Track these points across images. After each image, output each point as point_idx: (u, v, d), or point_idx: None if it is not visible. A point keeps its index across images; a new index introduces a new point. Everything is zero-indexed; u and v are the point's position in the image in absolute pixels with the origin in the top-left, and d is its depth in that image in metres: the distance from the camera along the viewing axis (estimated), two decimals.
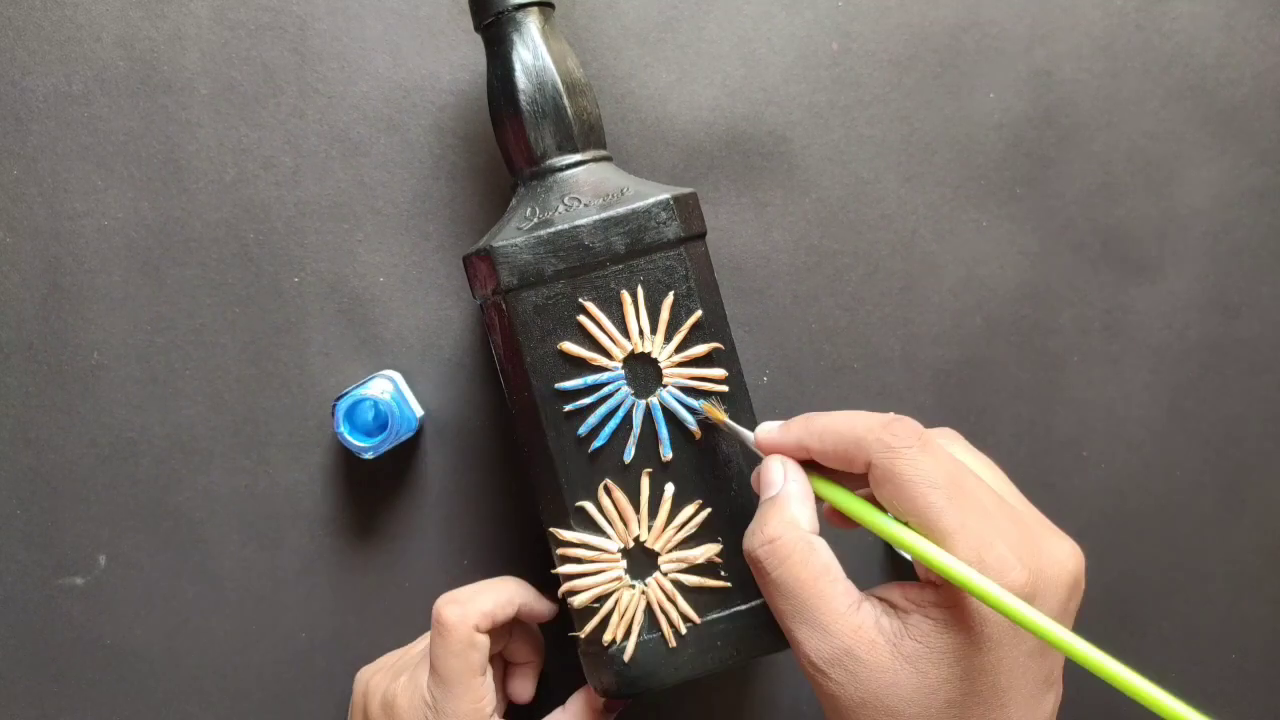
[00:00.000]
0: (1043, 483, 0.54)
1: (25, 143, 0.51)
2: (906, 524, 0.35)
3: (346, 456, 0.52)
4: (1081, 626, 0.54)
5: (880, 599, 0.35)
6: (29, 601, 0.52)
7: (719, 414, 0.42)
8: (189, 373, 0.52)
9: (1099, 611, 0.54)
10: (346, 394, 0.48)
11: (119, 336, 0.52)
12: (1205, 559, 0.54)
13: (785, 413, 0.53)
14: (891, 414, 0.36)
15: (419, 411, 0.50)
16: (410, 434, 0.49)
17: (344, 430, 0.48)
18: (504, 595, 0.46)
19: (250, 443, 0.52)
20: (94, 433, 0.52)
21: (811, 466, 0.39)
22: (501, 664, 0.50)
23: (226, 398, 0.52)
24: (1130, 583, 0.54)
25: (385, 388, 0.48)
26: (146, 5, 0.51)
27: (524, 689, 0.50)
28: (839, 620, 0.34)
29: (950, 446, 0.37)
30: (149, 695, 0.52)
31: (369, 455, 0.48)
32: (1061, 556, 0.35)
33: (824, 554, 0.35)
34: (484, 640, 0.44)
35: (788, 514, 0.36)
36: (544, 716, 0.47)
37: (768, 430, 0.40)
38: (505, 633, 0.48)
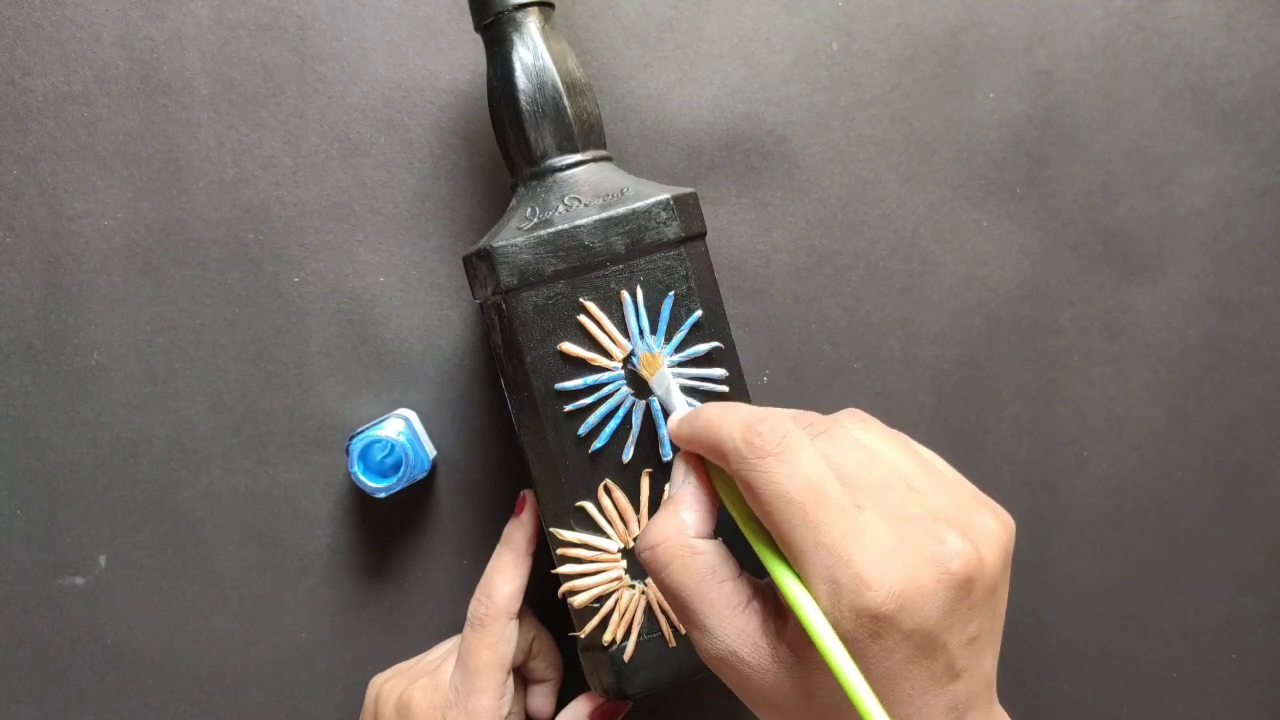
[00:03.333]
0: (1043, 483, 0.54)
1: (25, 143, 0.51)
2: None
3: (345, 456, 0.52)
4: (1082, 626, 0.54)
5: (771, 600, 0.34)
6: (29, 601, 0.52)
7: (656, 365, 0.42)
8: (189, 373, 0.52)
9: (1099, 611, 0.54)
10: (361, 433, 0.48)
11: (119, 336, 0.52)
12: (1205, 559, 0.54)
13: None
14: (762, 413, 0.33)
15: (432, 451, 0.51)
16: (423, 474, 0.49)
17: (358, 470, 0.48)
18: (513, 566, 0.47)
19: (250, 443, 0.52)
20: (94, 433, 0.52)
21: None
22: (522, 682, 0.50)
23: (226, 398, 0.52)
24: (1130, 583, 0.54)
25: (399, 427, 0.49)
26: (146, 5, 0.51)
27: (544, 705, 0.50)
28: (723, 623, 0.33)
29: (851, 428, 0.35)
30: (149, 695, 0.52)
31: (382, 495, 0.48)
32: (983, 536, 0.33)
33: (709, 557, 0.34)
34: (515, 630, 0.46)
35: (674, 519, 0.35)
36: None
37: (673, 420, 0.38)
38: (526, 646, 0.49)
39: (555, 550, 0.45)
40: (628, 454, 0.44)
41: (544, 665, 0.50)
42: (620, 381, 0.43)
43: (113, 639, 0.52)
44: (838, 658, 0.30)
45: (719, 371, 0.44)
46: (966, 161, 0.53)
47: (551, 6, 0.46)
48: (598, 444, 0.43)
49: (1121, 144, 0.53)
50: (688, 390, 0.44)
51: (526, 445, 0.45)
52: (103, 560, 0.52)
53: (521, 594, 0.47)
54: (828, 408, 0.53)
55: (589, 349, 0.43)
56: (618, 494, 0.44)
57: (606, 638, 0.44)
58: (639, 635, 0.44)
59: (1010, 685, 0.55)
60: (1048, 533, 0.54)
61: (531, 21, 0.45)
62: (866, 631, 0.30)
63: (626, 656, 0.44)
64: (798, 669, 0.32)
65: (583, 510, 0.44)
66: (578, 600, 0.44)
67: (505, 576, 0.47)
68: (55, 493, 0.52)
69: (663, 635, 0.44)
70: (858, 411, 0.36)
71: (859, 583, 0.30)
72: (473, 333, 0.52)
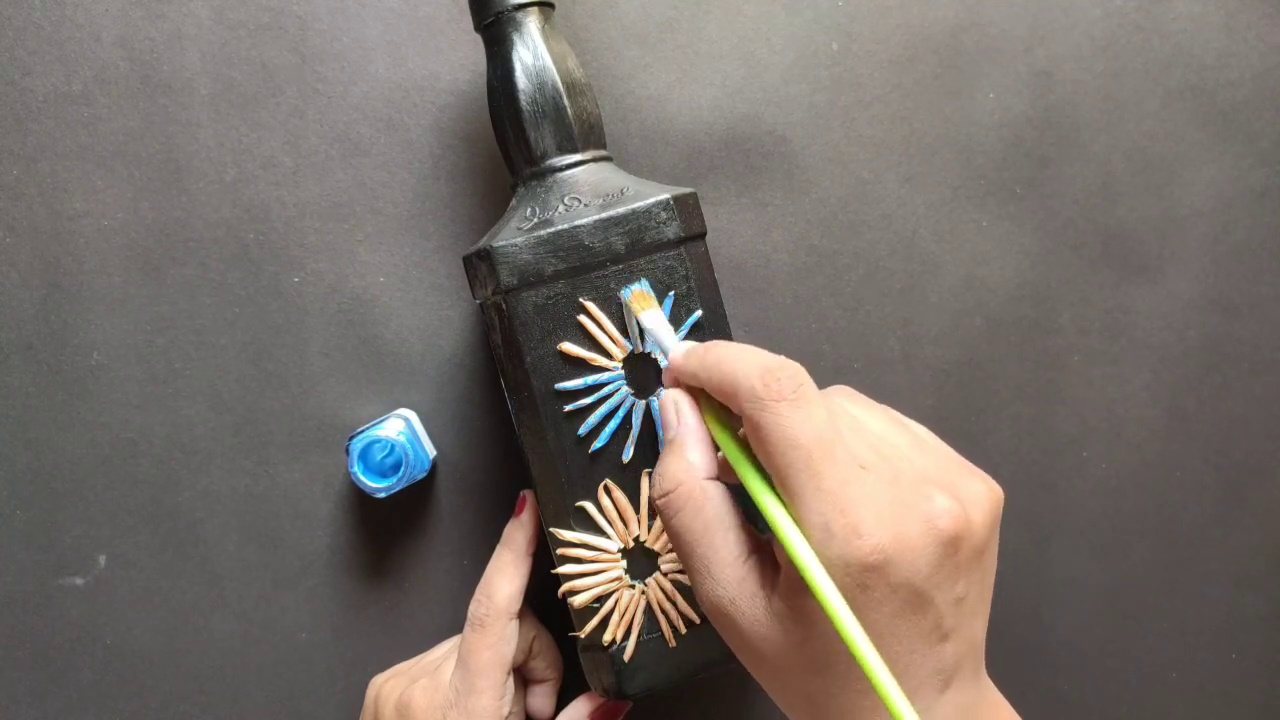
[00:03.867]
0: (1043, 483, 0.54)
1: (25, 143, 0.51)
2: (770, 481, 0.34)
3: (345, 456, 0.52)
4: (1082, 626, 0.54)
5: (768, 553, 0.35)
6: (29, 601, 0.52)
7: (647, 301, 0.41)
8: (189, 373, 0.52)
9: (1099, 611, 0.54)
10: (361, 433, 0.49)
11: (119, 336, 0.52)
12: (1205, 559, 0.54)
13: None
14: (780, 359, 0.34)
15: (432, 451, 0.51)
16: (423, 474, 0.49)
17: (358, 470, 0.48)
18: (513, 566, 0.47)
19: (250, 443, 0.52)
20: (94, 433, 0.52)
21: (713, 400, 0.37)
22: (522, 682, 0.50)
23: (226, 398, 0.52)
24: (1130, 583, 0.54)
25: (399, 427, 0.49)
26: (146, 5, 0.51)
27: (545, 706, 0.50)
28: (725, 570, 0.34)
29: (840, 401, 0.36)
30: (149, 695, 0.52)
31: (382, 495, 0.48)
32: (971, 499, 0.33)
33: (717, 502, 0.35)
34: (515, 630, 0.46)
35: (684, 460, 0.35)
36: None
37: (677, 352, 0.38)
38: (526, 647, 0.49)
39: (555, 550, 0.45)
40: (628, 454, 0.44)
41: (544, 665, 0.50)
42: (620, 381, 0.43)
43: (113, 639, 0.52)
44: (830, 597, 0.30)
45: None
46: (966, 161, 0.53)
47: (551, 6, 0.46)
48: (598, 444, 0.43)
49: (1121, 144, 0.53)
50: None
51: (526, 445, 0.45)
52: (103, 560, 0.52)
53: (522, 594, 0.47)
54: None
55: (589, 349, 0.43)
56: (618, 494, 0.44)
57: (606, 638, 0.44)
58: (639, 635, 0.44)
59: (1010, 685, 0.55)
60: (1048, 533, 0.54)
61: (531, 21, 0.45)
62: (855, 581, 0.30)
63: (626, 656, 0.44)
64: (790, 622, 0.33)
65: (583, 510, 0.44)
66: (578, 600, 0.44)
67: (505, 577, 0.47)
68: (55, 493, 0.52)
69: (663, 635, 0.44)
70: (846, 387, 0.37)
71: (851, 531, 0.30)
72: (473, 333, 0.52)
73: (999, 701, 0.36)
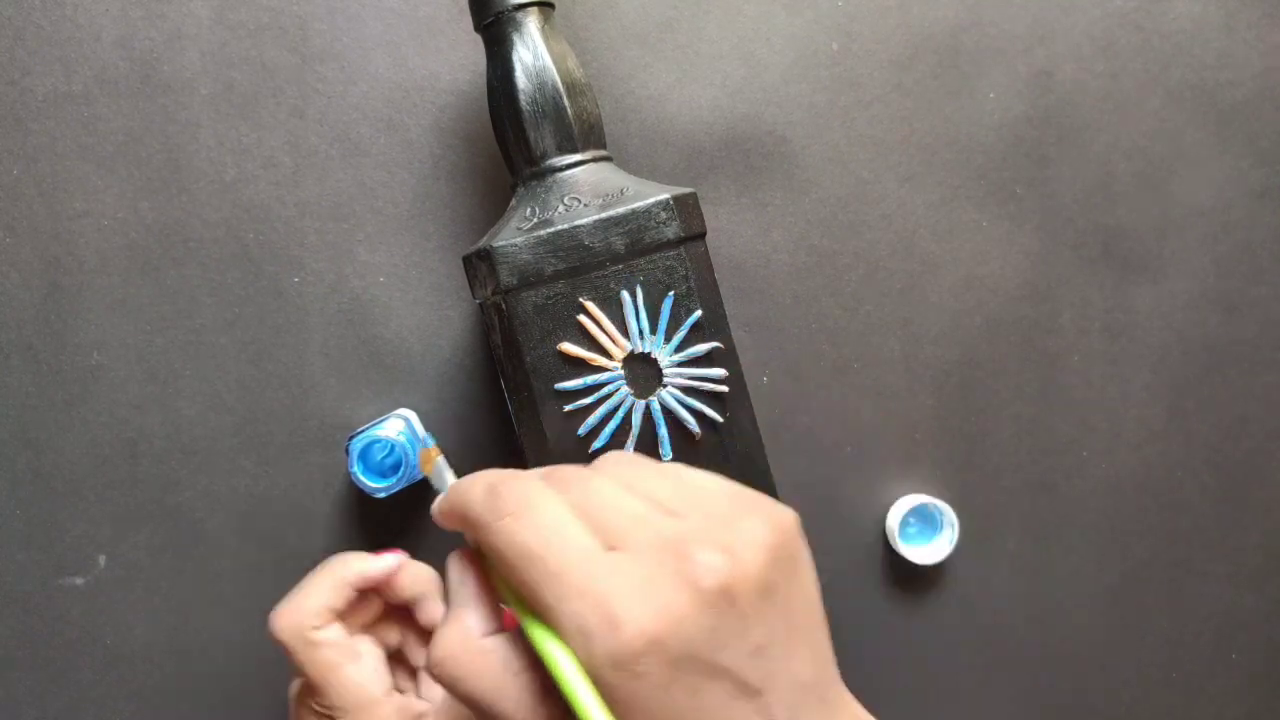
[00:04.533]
0: (1043, 483, 0.54)
1: (25, 143, 0.51)
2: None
3: (345, 456, 0.52)
4: (1082, 627, 0.54)
5: None
6: (29, 601, 0.52)
7: (431, 457, 0.40)
8: (189, 373, 0.52)
9: (1099, 611, 0.54)
10: (360, 433, 0.49)
11: (119, 336, 0.52)
12: (1205, 559, 0.54)
13: (786, 412, 0.53)
14: (502, 475, 0.32)
15: None
16: (423, 475, 0.49)
17: (357, 470, 0.48)
18: (331, 581, 0.44)
19: (250, 443, 0.52)
20: (94, 433, 0.52)
21: None
22: (399, 616, 0.48)
23: (226, 398, 0.52)
24: (1130, 583, 0.54)
25: (398, 427, 0.49)
26: (146, 5, 0.51)
27: (435, 610, 0.47)
28: (531, 714, 0.32)
29: (607, 471, 0.33)
30: (149, 695, 0.52)
31: (381, 495, 0.48)
32: (742, 542, 0.31)
33: (500, 653, 0.32)
34: (331, 635, 0.44)
35: (457, 626, 0.33)
36: None
37: (435, 502, 0.36)
38: (371, 602, 0.46)
39: None
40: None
41: (412, 586, 0.46)
42: (620, 381, 0.43)
43: (113, 639, 0.52)
44: (590, 711, 0.28)
45: (719, 371, 0.44)
46: (966, 161, 0.53)
47: (551, 6, 0.46)
48: (598, 444, 0.43)
49: (1121, 144, 0.53)
50: (688, 390, 0.44)
51: (526, 445, 0.45)
52: (103, 560, 0.52)
53: (330, 612, 0.44)
54: (828, 408, 0.53)
55: (589, 349, 0.43)
56: None
57: None
58: None
59: (1011, 685, 0.55)
60: (1048, 533, 0.54)
61: (531, 21, 0.45)
62: (629, 674, 0.28)
63: None
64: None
65: None
66: None
67: (315, 591, 0.44)
68: (55, 493, 0.52)
69: None
70: (617, 453, 0.35)
71: (608, 625, 0.28)
72: (473, 333, 0.52)
73: None
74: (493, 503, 0.31)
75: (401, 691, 0.46)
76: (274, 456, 0.52)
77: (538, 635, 0.30)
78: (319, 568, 0.45)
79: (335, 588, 0.44)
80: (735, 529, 0.31)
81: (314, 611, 0.43)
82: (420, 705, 0.45)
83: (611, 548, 0.30)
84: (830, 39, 0.52)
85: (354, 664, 0.44)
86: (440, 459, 0.41)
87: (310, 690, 0.44)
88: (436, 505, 0.35)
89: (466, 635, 0.33)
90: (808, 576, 0.32)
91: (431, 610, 0.46)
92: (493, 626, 0.33)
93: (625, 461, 0.34)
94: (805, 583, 0.32)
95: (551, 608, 0.29)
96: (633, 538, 0.30)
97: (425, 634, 0.47)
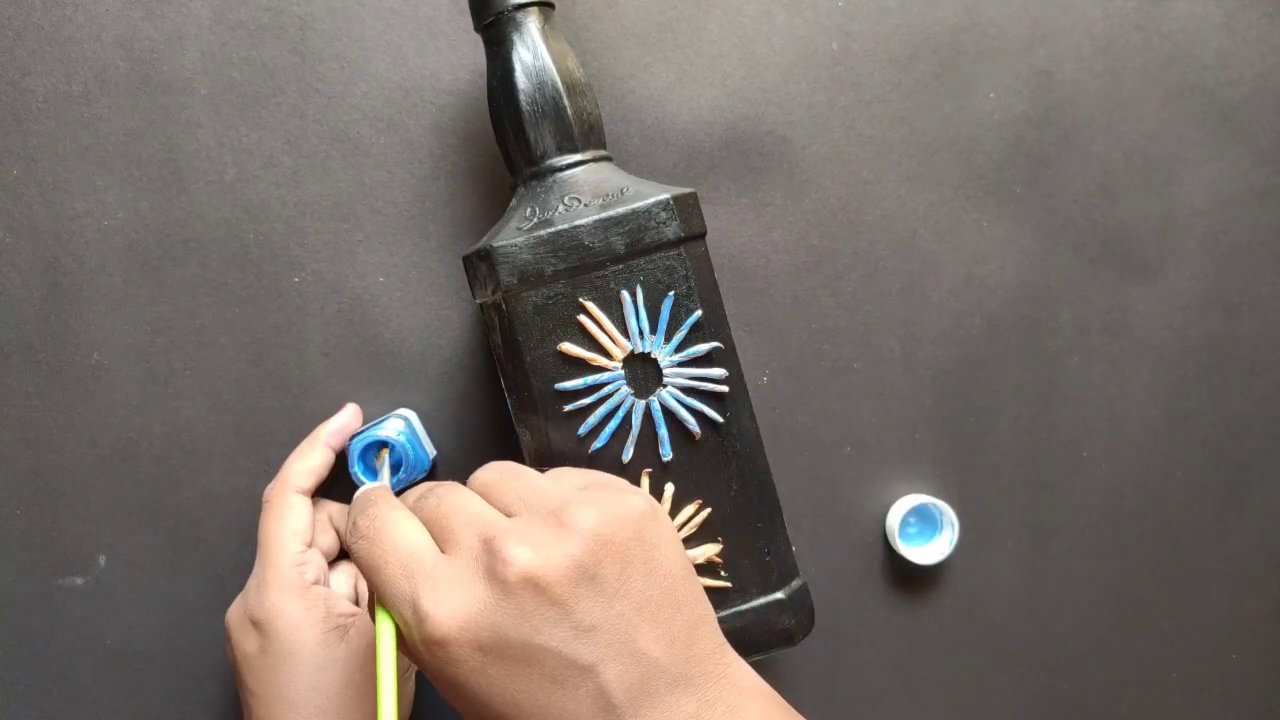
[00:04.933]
0: (1043, 483, 0.54)
1: (25, 143, 0.51)
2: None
3: (344, 456, 0.52)
4: (1082, 626, 0.54)
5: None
6: (29, 601, 0.52)
7: (383, 459, 0.48)
8: (189, 373, 0.52)
9: (1099, 611, 0.54)
10: (361, 433, 0.49)
11: (119, 336, 0.52)
12: (1205, 559, 0.54)
13: (786, 413, 0.53)
14: (368, 501, 0.38)
15: (432, 451, 0.51)
16: (423, 474, 0.50)
17: (358, 470, 0.49)
18: (310, 446, 0.49)
19: (250, 443, 0.52)
20: (94, 433, 0.52)
21: None
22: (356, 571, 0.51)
23: (226, 398, 0.52)
24: (1130, 583, 0.54)
25: (399, 427, 0.49)
26: (146, 5, 0.51)
27: None
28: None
29: (472, 481, 0.38)
30: (149, 695, 0.52)
31: None
32: (561, 532, 0.35)
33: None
34: (301, 502, 0.48)
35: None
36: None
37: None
38: (327, 527, 0.50)
39: None
40: (628, 454, 0.44)
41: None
42: (620, 381, 0.43)
43: (113, 639, 0.52)
44: (384, 687, 0.35)
45: (719, 371, 0.44)
46: (966, 161, 0.53)
47: (551, 6, 0.46)
48: (598, 444, 0.43)
49: (1121, 144, 0.53)
50: (688, 390, 0.44)
51: (526, 445, 0.45)
52: (103, 560, 0.52)
53: (313, 474, 0.49)
54: (827, 407, 0.53)
55: (589, 349, 0.43)
56: None
57: None
58: None
59: (1011, 685, 0.55)
60: (1048, 533, 0.54)
61: (531, 21, 0.45)
62: (441, 658, 0.33)
63: None
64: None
65: None
66: None
67: (298, 456, 0.49)
68: (55, 493, 0.52)
69: None
70: (496, 463, 0.39)
71: (420, 617, 0.33)
72: (473, 333, 0.52)
73: (746, 693, 0.35)
74: (351, 529, 0.37)
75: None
76: (274, 456, 0.52)
77: (379, 616, 0.36)
78: (305, 441, 0.50)
79: (312, 447, 0.49)
80: (559, 522, 0.35)
81: (296, 471, 0.48)
82: (346, 607, 0.48)
83: (445, 553, 0.35)
84: (830, 39, 0.52)
85: (305, 547, 0.48)
86: (385, 467, 0.48)
87: (259, 551, 0.48)
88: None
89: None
90: (660, 557, 0.35)
91: None
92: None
93: (487, 468, 0.39)
94: (656, 564, 0.35)
95: (391, 604, 0.35)
96: (460, 540, 0.35)
97: None
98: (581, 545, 0.34)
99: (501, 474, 0.38)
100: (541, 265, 0.42)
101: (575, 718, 0.33)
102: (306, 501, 0.48)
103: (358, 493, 0.39)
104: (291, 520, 0.47)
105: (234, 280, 0.52)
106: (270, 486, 0.48)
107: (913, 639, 0.54)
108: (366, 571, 0.36)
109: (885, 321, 0.53)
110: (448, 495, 0.37)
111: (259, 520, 0.48)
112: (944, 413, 0.53)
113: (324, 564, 0.48)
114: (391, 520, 0.37)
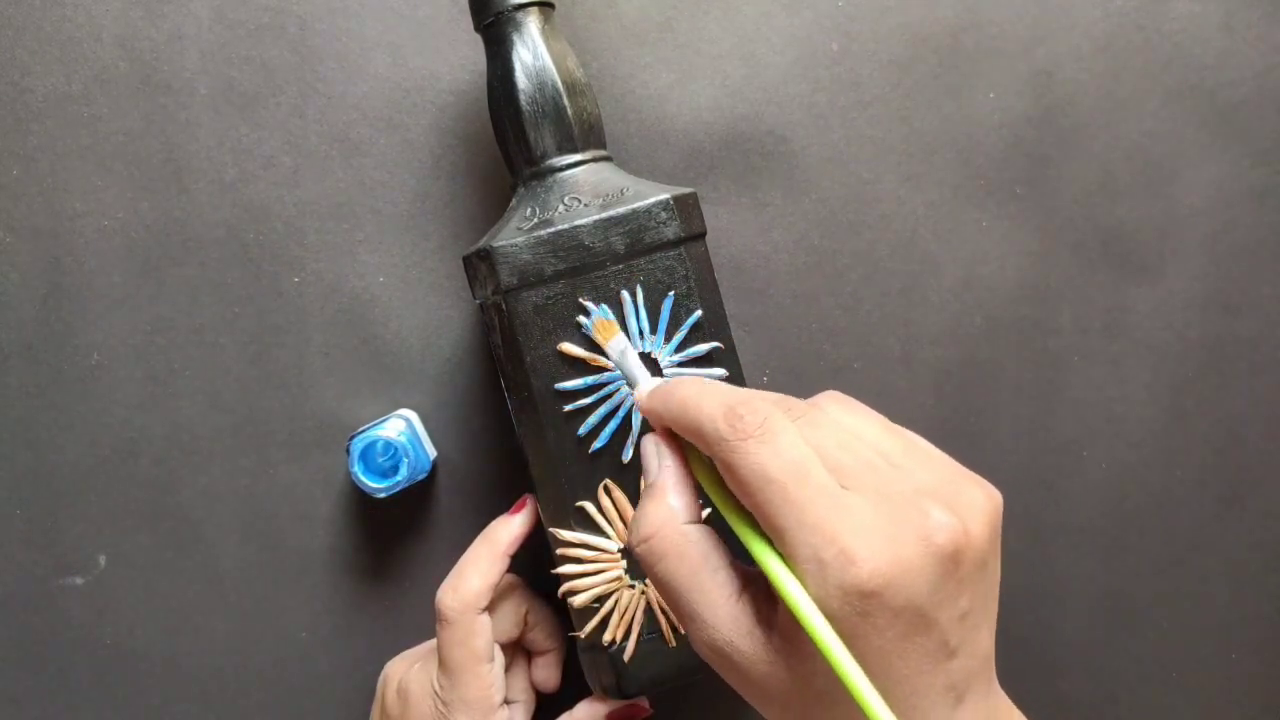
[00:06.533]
0: (1043, 483, 0.54)
1: (25, 143, 0.51)
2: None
3: (345, 456, 0.52)
4: (1082, 626, 0.54)
5: (762, 587, 0.34)
6: (29, 601, 0.52)
7: (611, 330, 0.41)
8: (189, 373, 0.52)
9: (1099, 611, 0.54)
10: (361, 433, 0.49)
11: (119, 336, 0.52)
12: (1205, 559, 0.54)
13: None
14: (743, 395, 0.33)
15: (432, 452, 0.51)
16: (424, 475, 0.49)
17: (358, 470, 0.48)
18: (489, 556, 0.46)
19: (250, 443, 0.52)
20: (94, 433, 0.52)
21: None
22: (525, 655, 0.50)
23: (226, 398, 0.52)
24: (1130, 583, 0.54)
25: (399, 427, 0.49)
26: (146, 5, 0.51)
27: (549, 677, 0.50)
28: (718, 612, 0.33)
29: (830, 409, 0.34)
30: (149, 695, 0.52)
31: (382, 495, 0.48)
32: (969, 510, 0.32)
33: (701, 545, 0.33)
34: (486, 623, 0.45)
35: (663, 506, 0.34)
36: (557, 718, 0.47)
37: (642, 392, 0.37)
38: (520, 620, 0.48)
39: (555, 550, 0.45)
40: (628, 454, 0.44)
41: (543, 636, 0.49)
42: (620, 381, 0.43)
43: (113, 639, 0.52)
44: (825, 636, 0.29)
45: (719, 371, 0.44)
46: (966, 161, 0.53)
47: (551, 6, 0.46)
48: (598, 444, 0.43)
49: (1121, 144, 0.53)
50: None
51: (526, 445, 0.45)
52: (103, 560, 0.52)
53: (492, 590, 0.46)
54: None
55: (589, 349, 0.43)
56: (618, 494, 0.44)
57: (606, 638, 0.44)
58: (639, 635, 0.44)
59: (1011, 685, 0.54)
60: (1048, 533, 0.54)
61: (531, 21, 0.45)
62: (855, 610, 0.29)
63: (626, 656, 0.44)
64: (792, 657, 0.32)
65: (583, 510, 0.44)
66: (578, 600, 0.44)
67: (477, 571, 0.46)
68: (55, 493, 0.52)
69: (662, 635, 0.44)
70: (836, 393, 0.36)
71: (844, 559, 0.29)
72: (473, 333, 0.52)
73: (1013, 712, 0.35)
74: (733, 422, 0.32)
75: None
76: (274, 456, 0.52)
77: (764, 555, 0.31)
78: (475, 543, 0.47)
79: (493, 561, 0.46)
80: (961, 496, 0.32)
81: (479, 592, 0.45)
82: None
83: (845, 488, 0.31)
84: (830, 39, 0.52)
85: (491, 664, 0.45)
86: (623, 335, 0.41)
87: (445, 671, 0.45)
88: (646, 400, 0.36)
89: (672, 517, 0.34)
90: (999, 558, 0.34)
91: (546, 674, 0.50)
92: (695, 514, 0.34)
93: (842, 403, 0.35)
94: (998, 563, 0.34)
95: (787, 533, 0.30)
96: (865, 482, 0.31)
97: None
98: (987, 528, 0.32)
99: (863, 414, 0.34)
100: (541, 265, 0.42)
101: (926, 701, 0.31)
102: (487, 620, 0.46)
103: (686, 394, 0.34)
104: (478, 647, 0.45)
105: (234, 280, 0.52)
106: (447, 598, 0.45)
107: None
108: (755, 482, 0.31)
109: (885, 321, 0.53)
110: (825, 420, 0.33)
111: (436, 630, 0.45)
112: (944, 413, 0.53)
113: (503, 662, 0.47)
114: (786, 430, 0.32)
